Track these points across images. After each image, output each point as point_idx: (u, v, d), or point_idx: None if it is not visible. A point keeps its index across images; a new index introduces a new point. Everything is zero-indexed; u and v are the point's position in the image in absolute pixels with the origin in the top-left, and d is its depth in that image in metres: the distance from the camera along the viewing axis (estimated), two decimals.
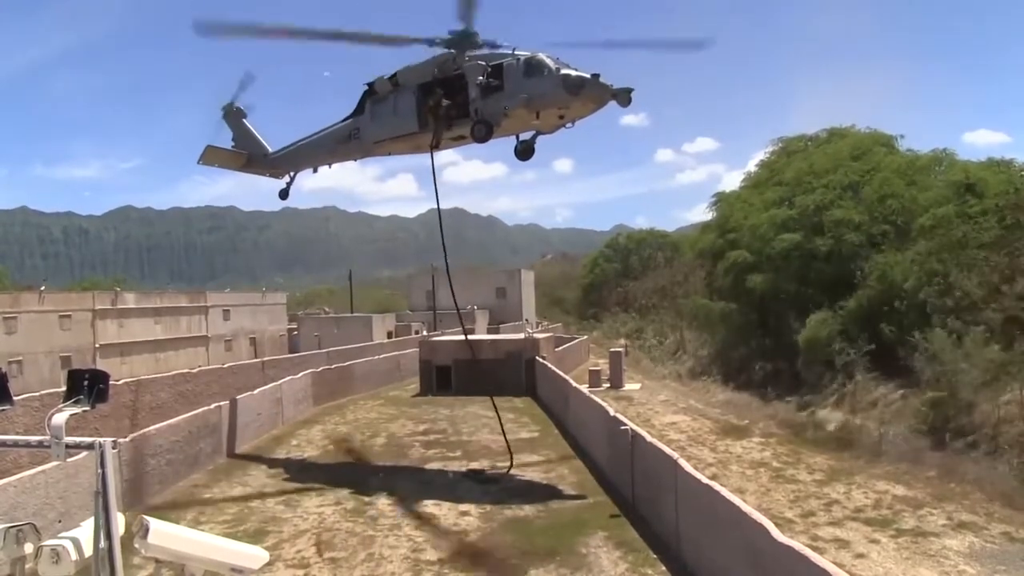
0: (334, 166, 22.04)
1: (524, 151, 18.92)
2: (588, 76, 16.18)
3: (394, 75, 18.94)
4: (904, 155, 31.74)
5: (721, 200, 41.05)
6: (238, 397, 23.39)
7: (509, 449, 19.36)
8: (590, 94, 16.30)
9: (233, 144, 23.00)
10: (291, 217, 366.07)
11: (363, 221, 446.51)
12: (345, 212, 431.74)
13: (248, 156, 22.84)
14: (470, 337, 39.74)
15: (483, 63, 17.37)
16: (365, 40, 18.40)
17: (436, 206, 19.32)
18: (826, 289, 28.15)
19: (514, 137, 18.76)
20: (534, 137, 18.69)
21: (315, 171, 22.45)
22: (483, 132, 17.45)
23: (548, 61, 16.67)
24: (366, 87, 19.77)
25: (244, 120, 22.99)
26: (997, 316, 20.86)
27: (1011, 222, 23.04)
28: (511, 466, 18.86)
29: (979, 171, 27.66)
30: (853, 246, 27.63)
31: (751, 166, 68.66)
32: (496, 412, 20.25)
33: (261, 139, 22.99)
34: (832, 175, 30.69)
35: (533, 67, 16.78)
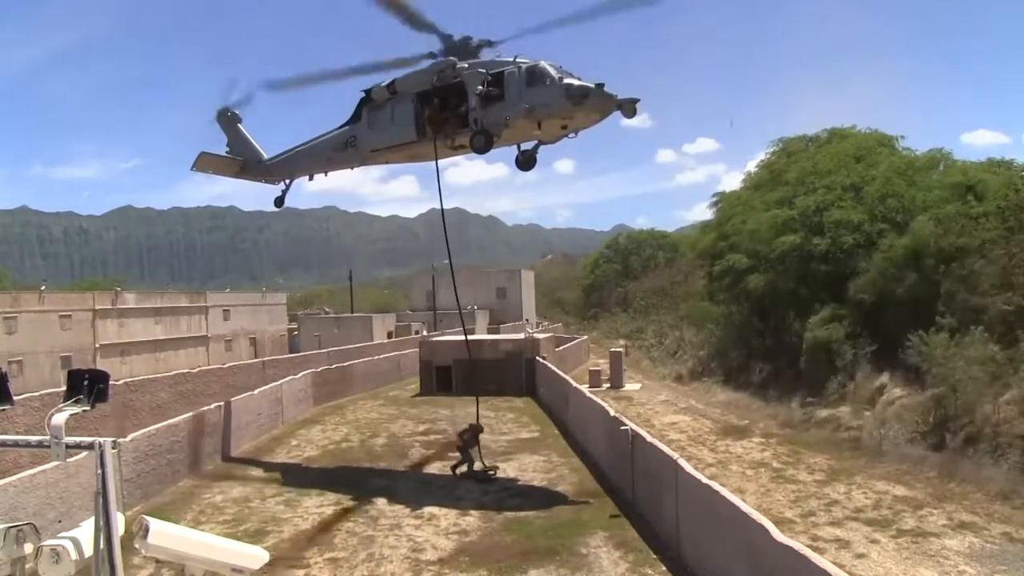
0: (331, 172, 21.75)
1: (525, 161, 18.55)
2: (592, 86, 15.73)
3: (392, 82, 18.55)
4: (903, 155, 31.74)
5: (721, 200, 41.04)
6: (238, 397, 23.39)
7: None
8: (594, 104, 15.87)
9: (228, 150, 22.65)
10: (291, 217, 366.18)
11: (363, 221, 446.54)
12: (345, 212, 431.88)
13: (243, 163, 22.46)
14: (471, 337, 39.81)
15: (483, 71, 16.94)
16: (386, 68, 18.32)
17: (439, 207, 19.08)
18: (825, 288, 28.17)
19: (515, 146, 18.41)
20: (535, 147, 18.33)
21: (311, 179, 22.10)
22: (483, 142, 17.05)
23: (550, 70, 16.24)
24: (363, 94, 19.34)
25: (239, 125, 22.61)
26: (1007, 309, 20.71)
27: (1012, 223, 23.05)
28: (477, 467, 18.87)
29: (979, 172, 27.68)
30: (852, 245, 27.65)
31: (751, 167, 68.68)
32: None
33: (256, 145, 22.60)
34: (834, 175, 30.67)
35: (535, 76, 16.33)
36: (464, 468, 18.64)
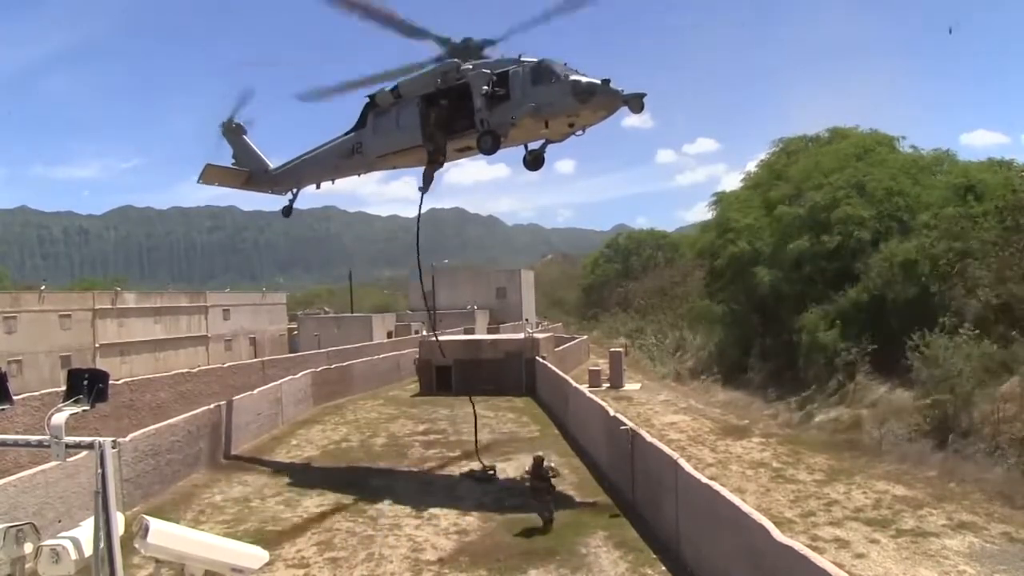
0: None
1: (533, 161, 18.37)
2: (598, 82, 15.56)
3: (396, 87, 18.39)
4: (908, 154, 31.79)
5: (721, 200, 41.01)
6: (237, 397, 23.40)
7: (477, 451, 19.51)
8: (601, 101, 15.69)
9: (233, 161, 22.63)
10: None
11: (363, 221, 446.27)
12: (345, 212, 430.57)
13: (249, 173, 22.40)
14: (469, 337, 39.90)
15: (488, 71, 16.75)
16: (394, 76, 18.07)
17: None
18: (830, 286, 28.10)
19: (522, 147, 18.27)
20: (543, 146, 18.17)
21: (318, 187, 21.93)
22: (489, 144, 16.85)
23: (556, 67, 16.07)
24: (368, 99, 19.21)
25: (244, 136, 22.57)
26: (1000, 303, 20.71)
27: (1011, 223, 23.06)
28: (484, 467, 18.89)
29: (979, 172, 27.68)
30: (860, 241, 27.56)
31: (751, 166, 68.69)
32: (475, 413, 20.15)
33: (262, 155, 22.55)
34: (838, 174, 30.60)
35: (540, 74, 16.14)
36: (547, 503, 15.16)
